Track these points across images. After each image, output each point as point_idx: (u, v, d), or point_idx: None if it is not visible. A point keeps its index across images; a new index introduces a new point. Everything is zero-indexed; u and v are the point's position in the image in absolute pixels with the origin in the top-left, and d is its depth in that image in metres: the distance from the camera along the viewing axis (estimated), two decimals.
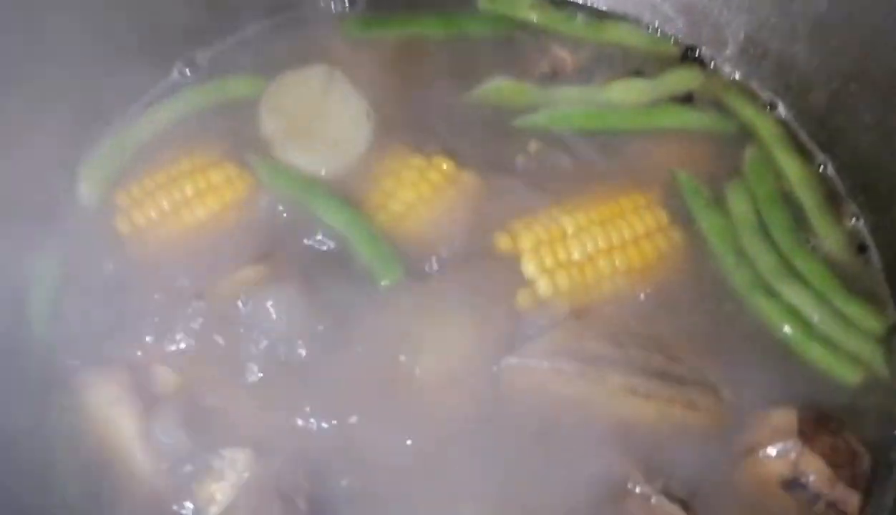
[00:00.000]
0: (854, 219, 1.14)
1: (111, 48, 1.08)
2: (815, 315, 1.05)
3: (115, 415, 0.95)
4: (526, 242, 1.05)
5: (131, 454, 0.93)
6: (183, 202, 1.06)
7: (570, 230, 1.06)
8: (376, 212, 1.08)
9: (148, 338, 0.98)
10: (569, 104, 1.18)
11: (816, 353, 1.03)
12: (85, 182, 1.09)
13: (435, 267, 1.05)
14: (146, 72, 1.16)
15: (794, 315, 1.05)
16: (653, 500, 0.93)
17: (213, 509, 0.90)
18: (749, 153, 1.17)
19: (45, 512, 0.92)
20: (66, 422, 0.95)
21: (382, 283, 1.03)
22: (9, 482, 0.92)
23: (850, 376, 1.03)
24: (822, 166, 1.17)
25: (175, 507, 0.91)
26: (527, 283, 1.04)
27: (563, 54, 1.23)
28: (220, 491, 0.90)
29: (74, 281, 1.03)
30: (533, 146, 1.15)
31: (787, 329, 1.04)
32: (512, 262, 1.05)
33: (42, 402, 0.96)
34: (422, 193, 1.09)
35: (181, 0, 1.13)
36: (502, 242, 1.06)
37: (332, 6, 1.26)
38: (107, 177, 1.10)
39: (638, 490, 0.94)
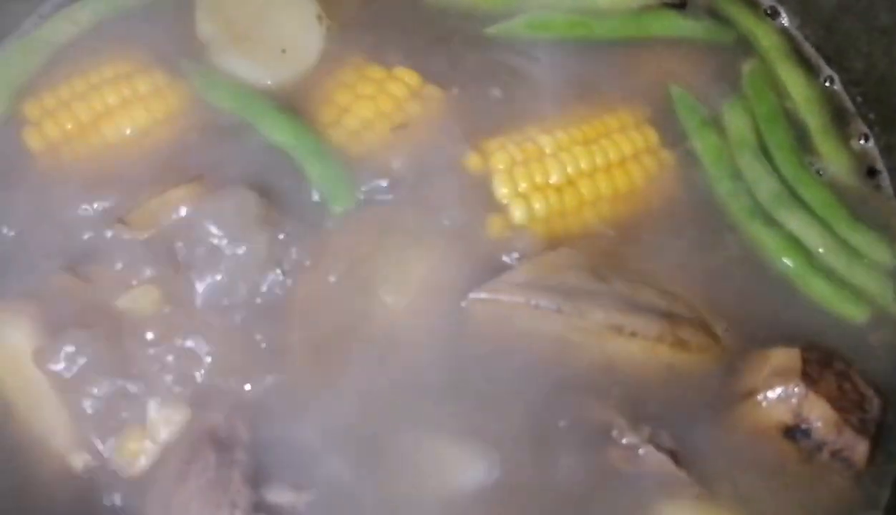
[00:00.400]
0: (863, 140, 1.05)
1: None
2: (818, 245, 0.97)
3: (22, 356, 0.83)
4: (499, 162, 0.95)
5: (40, 400, 0.83)
6: (104, 113, 0.95)
7: (548, 150, 0.97)
8: (329, 129, 0.97)
9: (61, 269, 0.86)
10: (548, 9, 1.08)
11: (820, 287, 0.95)
12: None
13: (396, 190, 0.94)
14: None
15: (796, 245, 0.97)
16: (640, 451, 0.85)
17: (138, 465, 0.80)
18: (748, 67, 1.07)
19: None
20: None
21: (335, 209, 0.93)
22: None
23: (857, 312, 0.94)
24: (827, 81, 1.08)
25: (91, 462, 0.82)
26: (499, 208, 0.94)
27: None
28: (147, 444, 0.80)
29: None
30: (510, 57, 1.04)
31: (787, 261, 0.96)
32: (483, 185, 0.95)
33: None
34: (381, 108, 0.98)
35: None
36: (472, 162, 0.96)
37: None
38: (15, 85, 0.98)
39: (624, 440, 0.86)
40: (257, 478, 0.80)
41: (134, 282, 0.86)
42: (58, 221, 0.89)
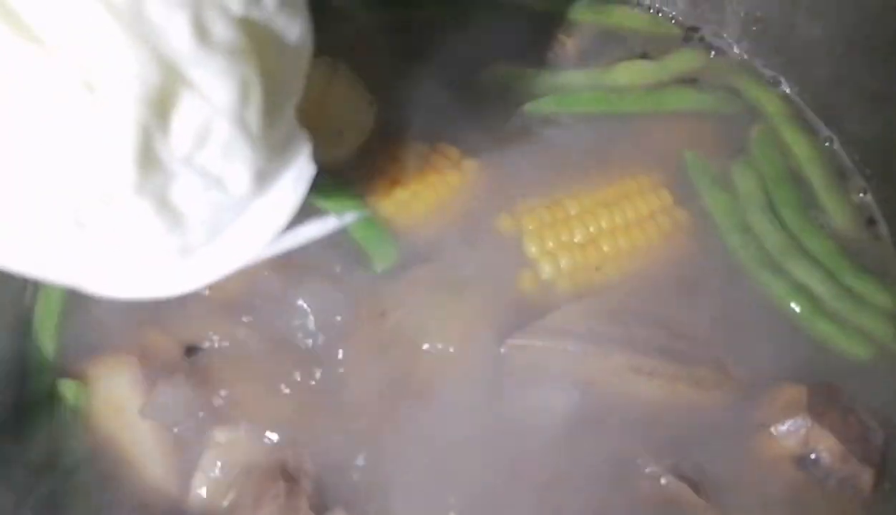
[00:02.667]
0: (862, 194, 1.13)
1: None
2: (824, 292, 1.03)
3: (126, 406, 0.95)
4: (529, 224, 1.06)
5: (145, 447, 0.94)
6: None
7: (573, 212, 1.07)
8: (379, 200, 1.08)
9: (152, 325, 0.99)
10: (575, 88, 1.18)
11: (826, 329, 1.02)
12: None
13: (437, 250, 1.05)
14: None
15: (803, 292, 1.03)
16: (663, 480, 0.92)
17: (215, 489, 0.91)
18: (755, 131, 1.16)
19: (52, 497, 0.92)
20: (69, 409, 0.96)
21: (379, 268, 1.03)
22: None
23: (860, 351, 1.01)
24: (828, 141, 1.16)
25: (182, 489, 0.92)
26: (529, 265, 1.04)
27: (565, 38, 1.22)
28: (221, 471, 0.91)
29: None
30: (539, 130, 1.15)
31: (795, 306, 1.03)
32: (514, 245, 1.05)
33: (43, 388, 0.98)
34: (426, 180, 1.09)
35: None
36: (505, 225, 1.07)
37: None
38: None
39: (648, 470, 0.93)
40: (321, 505, 0.90)
41: (210, 333, 0.99)
42: None
